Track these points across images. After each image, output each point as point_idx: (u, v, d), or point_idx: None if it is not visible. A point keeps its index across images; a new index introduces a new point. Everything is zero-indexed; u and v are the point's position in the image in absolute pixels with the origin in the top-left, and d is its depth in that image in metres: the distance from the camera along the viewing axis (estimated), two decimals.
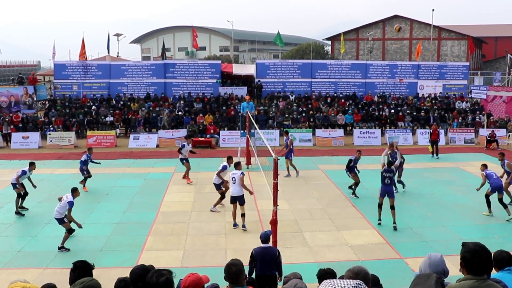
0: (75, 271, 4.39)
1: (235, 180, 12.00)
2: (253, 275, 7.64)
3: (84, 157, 16.02)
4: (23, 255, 10.39)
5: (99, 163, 16.69)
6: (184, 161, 17.00)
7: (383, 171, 12.17)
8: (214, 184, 13.59)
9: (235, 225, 12.07)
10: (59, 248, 10.57)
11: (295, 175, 17.56)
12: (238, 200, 12.01)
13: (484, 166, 13.52)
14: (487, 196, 13.05)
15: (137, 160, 20.66)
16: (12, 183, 13.44)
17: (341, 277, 3.63)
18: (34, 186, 13.85)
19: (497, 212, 13.29)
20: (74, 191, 11.01)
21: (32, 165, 13.79)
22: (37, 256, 10.31)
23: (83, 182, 15.82)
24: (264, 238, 7.86)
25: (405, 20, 55.93)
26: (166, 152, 22.65)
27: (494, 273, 4.00)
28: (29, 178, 13.75)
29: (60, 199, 11.00)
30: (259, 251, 7.75)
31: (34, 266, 9.74)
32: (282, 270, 7.77)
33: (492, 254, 4.49)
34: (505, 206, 12.81)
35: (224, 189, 13.51)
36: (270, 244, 8.07)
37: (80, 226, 10.92)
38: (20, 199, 13.39)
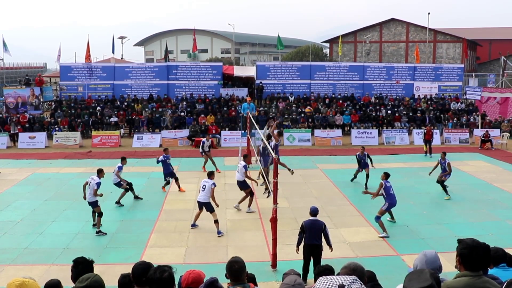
0: (78, 267, 4.39)
1: (204, 188, 11.52)
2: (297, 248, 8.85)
3: (161, 158, 15.26)
4: (30, 252, 10.39)
5: (172, 168, 15.60)
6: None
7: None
8: (238, 181, 13.47)
9: (193, 225, 11.76)
10: (97, 233, 11.34)
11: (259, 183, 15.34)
12: (204, 206, 11.57)
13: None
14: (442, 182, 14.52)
15: (140, 159, 20.66)
16: (114, 184, 13.92)
17: (338, 274, 3.62)
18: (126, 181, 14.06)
19: (490, 210, 13.30)
20: (100, 172, 11.88)
21: (123, 160, 14.27)
22: (43, 253, 10.31)
23: (169, 184, 15.33)
24: (313, 212, 8.78)
25: (402, 23, 55.93)
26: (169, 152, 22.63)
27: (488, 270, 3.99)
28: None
29: (87, 184, 11.70)
30: (308, 223, 8.66)
31: (40, 263, 9.74)
32: (330, 240, 8.83)
33: None
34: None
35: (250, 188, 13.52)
36: (318, 218, 8.82)
37: (101, 195, 11.60)
38: (128, 191, 13.99)
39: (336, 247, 10.59)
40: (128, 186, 14.02)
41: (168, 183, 15.41)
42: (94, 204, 11.57)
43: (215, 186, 11.59)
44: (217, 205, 11.65)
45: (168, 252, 10.31)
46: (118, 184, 13.93)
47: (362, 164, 16.19)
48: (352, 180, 16.61)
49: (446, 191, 14.52)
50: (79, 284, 3.53)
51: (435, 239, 11.02)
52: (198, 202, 11.69)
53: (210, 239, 11.14)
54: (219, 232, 11.37)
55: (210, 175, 11.98)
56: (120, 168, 13.98)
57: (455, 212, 13.24)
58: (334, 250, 10.34)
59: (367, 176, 15.77)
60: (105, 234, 11.32)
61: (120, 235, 11.42)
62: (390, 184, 11.69)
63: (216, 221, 11.39)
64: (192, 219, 12.01)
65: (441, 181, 14.56)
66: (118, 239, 11.15)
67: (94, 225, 11.75)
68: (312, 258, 8.63)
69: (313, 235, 8.57)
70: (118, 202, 13.82)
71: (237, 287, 4.04)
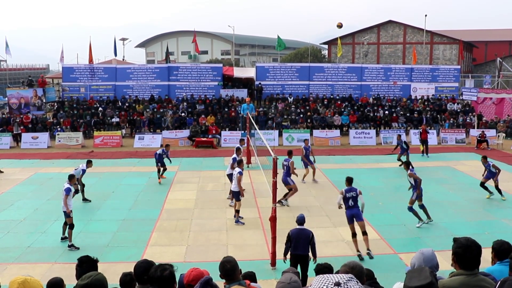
0: (82, 266, 4.40)
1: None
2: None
3: (160, 151, 16.60)
4: (32, 250, 10.38)
5: (170, 162, 16.98)
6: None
7: (344, 190, 10.08)
8: (228, 175, 13.95)
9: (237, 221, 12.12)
10: (69, 246, 10.33)
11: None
12: (233, 195, 12.33)
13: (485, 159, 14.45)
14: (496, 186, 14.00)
15: (142, 159, 20.66)
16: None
17: (337, 272, 3.62)
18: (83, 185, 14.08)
19: (486, 209, 13.31)
20: (71, 178, 11.03)
21: (89, 163, 14.17)
22: (46, 251, 10.30)
23: (160, 174, 16.41)
24: (300, 220, 8.26)
25: (399, 25, 55.91)
26: (170, 152, 22.62)
27: (484, 267, 3.92)
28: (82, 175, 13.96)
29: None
30: (295, 232, 8.12)
31: (43, 261, 9.73)
32: (316, 251, 8.16)
33: (492, 243, 4.39)
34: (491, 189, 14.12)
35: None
36: (305, 226, 8.31)
37: (69, 212, 10.39)
38: (78, 193, 13.68)
39: (334, 245, 10.62)
40: (79, 187, 13.77)
41: (159, 171, 16.38)
42: (66, 214, 10.43)
43: (240, 174, 11.98)
44: (242, 194, 12.12)
45: (169, 251, 10.30)
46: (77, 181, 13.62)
47: (401, 149, 18.96)
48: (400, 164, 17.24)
49: (500, 193, 14.06)
50: (81, 281, 3.54)
51: (432, 237, 11.02)
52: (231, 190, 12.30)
53: (210, 238, 11.14)
54: (236, 221, 11.89)
55: (239, 163, 12.49)
56: (83, 172, 13.83)
57: (452, 211, 13.23)
58: (333, 248, 10.39)
59: (399, 160, 18.27)
60: (78, 248, 10.25)
61: (121, 234, 11.41)
62: (415, 172, 12.05)
63: (237, 211, 11.93)
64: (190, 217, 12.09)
65: (496, 186, 14.03)
66: (120, 238, 11.14)
67: (63, 238, 10.73)
68: (299, 268, 7.97)
69: (299, 245, 8.01)
70: (85, 199, 13.85)
71: (233, 285, 4.04)
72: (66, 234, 10.61)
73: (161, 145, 23.88)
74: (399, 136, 19.86)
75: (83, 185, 14.03)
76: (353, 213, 9.85)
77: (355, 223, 9.89)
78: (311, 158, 16.66)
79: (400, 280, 3.98)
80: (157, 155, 16.50)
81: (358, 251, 9.78)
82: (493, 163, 14.46)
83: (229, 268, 4.09)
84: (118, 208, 13.53)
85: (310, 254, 8.20)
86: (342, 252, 10.09)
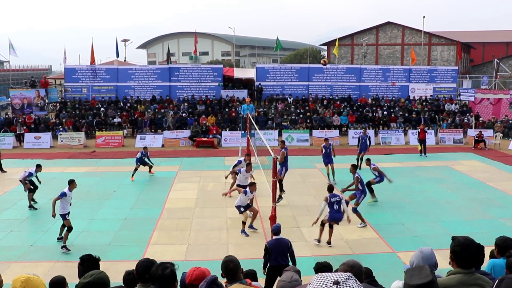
0: (83, 264, 4.40)
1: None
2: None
3: (139, 154, 17.17)
4: (35, 249, 10.38)
5: (152, 164, 17.56)
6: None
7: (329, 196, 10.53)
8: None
9: (250, 227, 11.63)
10: (62, 247, 10.19)
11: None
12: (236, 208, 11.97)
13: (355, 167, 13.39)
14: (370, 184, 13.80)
15: None
16: (20, 180, 13.71)
17: (336, 270, 3.62)
18: (39, 182, 14.00)
19: (484, 208, 13.30)
20: (71, 183, 10.80)
21: (38, 167, 13.92)
22: (48, 250, 10.30)
23: (144, 171, 17.21)
24: (276, 230, 8.07)
25: (398, 26, 55.87)
26: (171, 152, 22.67)
27: (484, 266, 3.94)
28: (36, 177, 13.85)
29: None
30: (273, 243, 7.87)
31: (45, 260, 9.74)
32: (296, 259, 7.93)
33: (495, 240, 4.50)
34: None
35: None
36: (282, 235, 8.11)
37: (53, 216, 10.35)
38: (31, 194, 13.52)
39: (333, 244, 10.61)
40: (32, 187, 13.56)
41: (135, 170, 16.84)
42: (63, 217, 10.47)
43: (245, 194, 11.31)
44: (242, 210, 11.37)
45: (170, 250, 10.31)
46: (23, 183, 13.51)
47: (362, 145, 18.25)
48: (360, 165, 17.61)
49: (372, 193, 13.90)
50: (83, 280, 3.54)
51: (430, 236, 11.01)
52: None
53: (211, 236, 11.14)
54: (242, 231, 11.23)
55: (251, 185, 11.62)
56: (30, 174, 13.55)
57: (450, 210, 13.23)
58: (332, 247, 10.39)
59: (360, 159, 17.74)
60: (69, 250, 10.07)
61: (123, 233, 11.41)
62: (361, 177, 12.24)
63: (243, 222, 11.26)
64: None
65: (368, 183, 13.60)
66: (121, 237, 11.14)
67: (59, 238, 10.73)
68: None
69: (279, 255, 7.83)
70: (31, 206, 13.36)
71: (234, 284, 4.04)
72: (63, 235, 10.60)
73: (162, 145, 23.96)
74: (365, 130, 19.93)
75: (35, 188, 13.70)
76: (338, 217, 10.55)
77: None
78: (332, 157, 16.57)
79: (398, 279, 3.98)
80: (137, 158, 17.02)
81: (319, 240, 10.57)
82: (374, 166, 13.94)
83: (232, 267, 4.08)
84: (119, 207, 13.53)
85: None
86: (341, 251, 10.10)
